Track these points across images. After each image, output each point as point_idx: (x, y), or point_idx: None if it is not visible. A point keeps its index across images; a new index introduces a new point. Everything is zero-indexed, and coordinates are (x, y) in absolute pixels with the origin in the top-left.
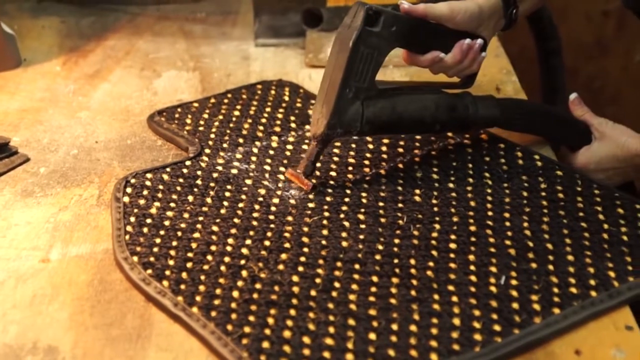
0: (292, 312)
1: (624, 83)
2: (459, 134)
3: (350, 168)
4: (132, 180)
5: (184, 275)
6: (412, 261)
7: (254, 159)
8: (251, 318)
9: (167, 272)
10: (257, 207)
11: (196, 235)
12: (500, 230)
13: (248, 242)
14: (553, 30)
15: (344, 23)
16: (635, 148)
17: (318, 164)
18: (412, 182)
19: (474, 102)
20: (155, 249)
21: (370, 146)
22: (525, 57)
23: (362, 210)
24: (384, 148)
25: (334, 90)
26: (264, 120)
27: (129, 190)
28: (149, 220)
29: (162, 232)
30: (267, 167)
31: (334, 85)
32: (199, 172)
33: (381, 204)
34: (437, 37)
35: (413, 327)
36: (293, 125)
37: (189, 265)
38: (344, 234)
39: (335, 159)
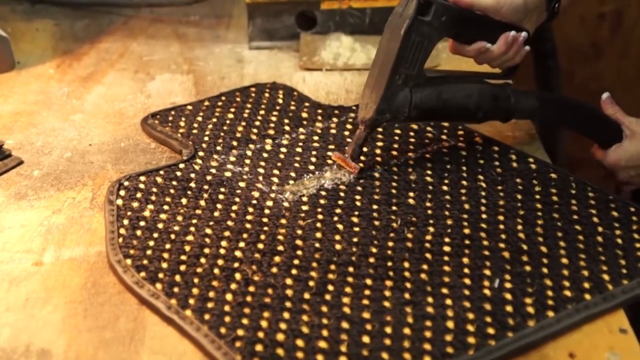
0: (286, 315)
1: (619, 86)
2: (502, 121)
3: (344, 169)
4: (126, 183)
5: (178, 278)
6: (406, 264)
7: (247, 161)
8: (244, 321)
9: (161, 275)
10: (250, 209)
11: (189, 238)
12: (494, 233)
13: (241, 245)
14: (547, 33)
15: (395, 12)
16: None
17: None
18: (406, 185)
19: (515, 93)
20: (149, 252)
21: (365, 149)
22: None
23: (356, 213)
24: (377, 151)
25: (384, 76)
26: (257, 123)
27: (122, 193)
28: (142, 223)
29: (155, 235)
30: (261, 170)
31: (384, 71)
32: (192, 175)
33: (375, 206)
34: (483, 28)
35: (407, 330)
36: (287, 128)
37: (183, 268)
38: (337, 237)
39: (330, 161)
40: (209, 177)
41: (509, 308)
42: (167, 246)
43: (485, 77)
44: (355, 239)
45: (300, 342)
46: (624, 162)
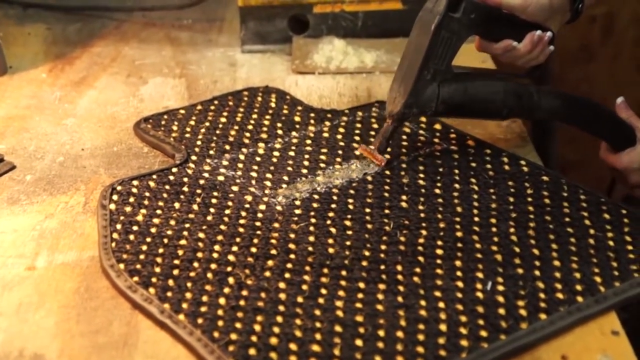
0: (279, 318)
1: (610, 89)
2: (525, 119)
3: (337, 173)
4: (119, 188)
5: (171, 282)
6: (399, 267)
7: (240, 165)
8: (238, 325)
9: (154, 280)
10: (243, 214)
11: (182, 242)
12: (487, 236)
13: (234, 248)
14: None
15: (426, 7)
16: None
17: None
18: (398, 188)
19: (538, 92)
20: (142, 256)
21: (357, 152)
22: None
23: (349, 216)
24: None
25: (413, 71)
26: (250, 127)
27: (115, 197)
28: (135, 228)
29: (148, 240)
30: (254, 174)
31: (413, 66)
32: (185, 179)
33: (368, 210)
34: (510, 27)
35: (400, 333)
36: (280, 132)
37: (176, 272)
38: (330, 241)
39: (322, 164)
40: (201, 181)
41: (501, 311)
42: (160, 250)
43: (510, 75)
44: (348, 243)
45: (293, 346)
46: (636, 165)
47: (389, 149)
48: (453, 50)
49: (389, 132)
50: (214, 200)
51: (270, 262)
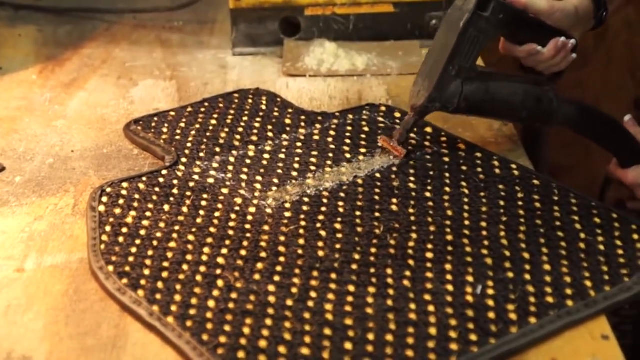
0: (268, 321)
1: (603, 94)
2: (541, 124)
3: (327, 176)
4: (108, 190)
5: (160, 284)
6: (389, 270)
7: (230, 168)
8: (227, 328)
9: (143, 282)
10: (233, 216)
11: (172, 244)
12: (477, 240)
13: (224, 251)
14: None
15: (455, 5)
16: None
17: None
18: (388, 191)
19: (557, 98)
20: (131, 259)
21: (348, 155)
22: (504, 66)
23: (339, 219)
24: (361, 157)
25: (439, 66)
26: (241, 130)
27: (104, 199)
28: (124, 230)
29: (137, 242)
30: (244, 177)
31: (439, 61)
32: (175, 182)
33: (358, 213)
34: (536, 31)
35: (389, 337)
36: (270, 134)
37: (165, 274)
38: (320, 244)
39: (312, 168)
40: (191, 184)
41: (491, 314)
42: (150, 253)
43: (532, 79)
44: (338, 246)
45: (282, 349)
46: None
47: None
48: (479, 48)
49: (410, 124)
50: (203, 203)
51: (259, 265)
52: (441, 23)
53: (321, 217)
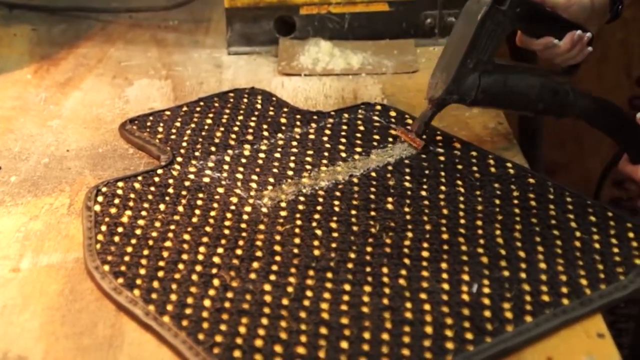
0: (264, 321)
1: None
2: (556, 116)
3: (323, 175)
4: (104, 189)
5: (155, 284)
6: (385, 269)
7: (226, 167)
8: (223, 327)
9: (139, 281)
10: (229, 215)
11: (167, 244)
12: (473, 238)
13: (220, 250)
14: None
15: None
16: None
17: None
18: (384, 190)
19: (574, 91)
20: (127, 258)
21: (343, 154)
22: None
23: (335, 218)
24: (356, 157)
25: (457, 59)
26: (236, 129)
27: (100, 199)
28: (120, 229)
29: (133, 241)
30: (239, 176)
31: (457, 54)
32: (170, 181)
33: (353, 212)
34: (552, 25)
35: (385, 336)
36: (265, 133)
37: (160, 274)
38: (316, 243)
39: (308, 167)
40: (187, 183)
41: (487, 313)
42: (145, 252)
43: (548, 71)
44: (333, 245)
45: (278, 348)
46: None
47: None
48: (496, 41)
49: (428, 116)
50: (199, 202)
51: (255, 264)
52: (459, 16)
53: (317, 216)
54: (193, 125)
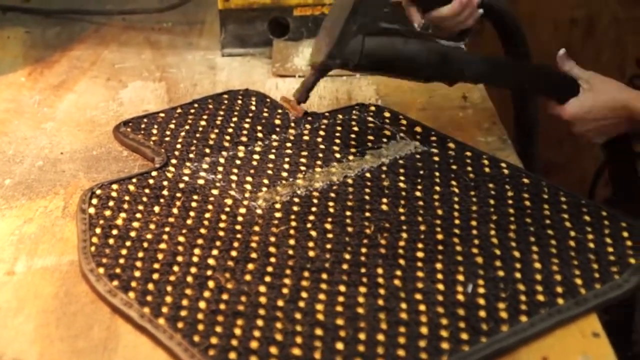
0: (259, 322)
1: None
2: (448, 84)
3: (317, 176)
4: (98, 192)
5: (150, 286)
6: (380, 270)
7: (220, 169)
8: (218, 329)
9: (133, 284)
10: (223, 217)
11: (162, 246)
12: (468, 239)
13: (214, 252)
14: (520, 38)
15: None
16: (623, 99)
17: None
18: (379, 191)
19: (465, 55)
20: (121, 261)
21: (337, 155)
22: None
23: (329, 219)
24: (350, 157)
25: (340, 22)
26: (230, 130)
27: (94, 201)
28: (114, 232)
29: (128, 244)
30: (234, 177)
31: (340, 17)
32: (165, 183)
33: (348, 213)
34: None
35: (380, 337)
36: (260, 135)
37: (155, 276)
38: (311, 244)
39: (302, 168)
40: (181, 185)
41: (482, 313)
42: (140, 254)
43: (439, 37)
44: (328, 246)
45: (273, 350)
46: (582, 114)
47: (368, 151)
48: (381, 3)
49: (310, 82)
50: (193, 204)
51: (250, 266)
52: None
53: (311, 218)
54: (187, 127)
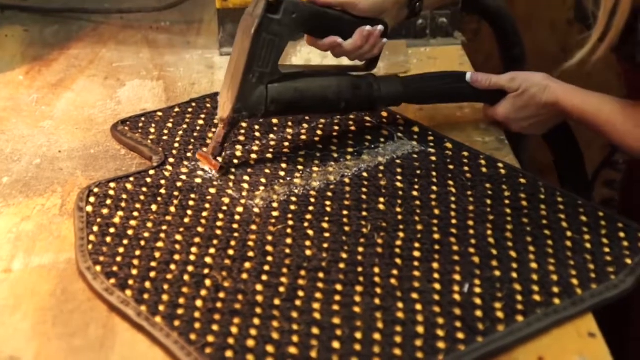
0: (256, 321)
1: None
2: (368, 112)
3: (315, 175)
4: (95, 190)
5: (148, 284)
6: (376, 269)
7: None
8: (215, 327)
9: (131, 282)
10: (221, 216)
11: (160, 244)
12: (464, 238)
13: (212, 251)
14: (517, 38)
15: (247, 11)
16: (541, 99)
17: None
18: (376, 190)
19: (377, 81)
20: (119, 259)
21: (335, 154)
22: (491, 66)
23: (326, 218)
24: (348, 157)
25: (238, 75)
26: None
27: (92, 199)
28: (112, 230)
29: (125, 242)
30: (231, 176)
31: (238, 71)
32: (162, 182)
33: (345, 212)
34: (339, 24)
35: (377, 336)
36: (257, 134)
37: (153, 274)
38: (307, 243)
39: (300, 167)
40: (179, 184)
41: (478, 313)
42: (137, 253)
43: (348, 70)
44: (325, 245)
45: (270, 348)
46: (513, 115)
47: (365, 151)
48: (277, 51)
49: (221, 137)
50: (191, 203)
51: (247, 265)
52: (237, 29)
53: (309, 217)
54: (185, 126)
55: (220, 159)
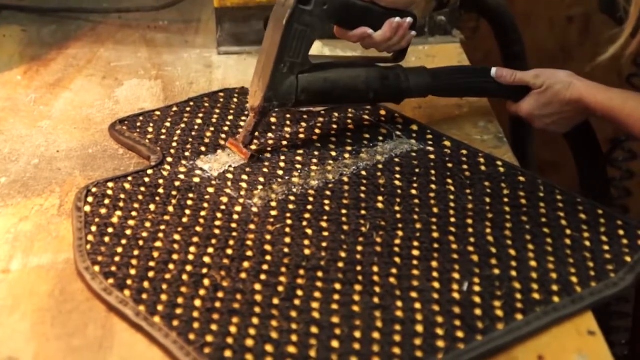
0: (255, 320)
1: None
2: (396, 100)
3: (313, 174)
4: (94, 190)
5: (146, 284)
6: (375, 268)
7: (216, 167)
8: (213, 327)
9: (129, 282)
10: (219, 215)
11: (158, 244)
12: (463, 237)
13: (210, 250)
14: (516, 36)
15: (279, 2)
16: (565, 95)
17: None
18: (374, 189)
19: (404, 72)
20: (117, 259)
21: (333, 153)
22: (490, 63)
23: (325, 217)
24: (346, 155)
25: (270, 65)
26: (226, 129)
27: (90, 199)
28: (110, 230)
29: (123, 242)
30: (230, 176)
31: (269, 60)
32: (160, 181)
33: (344, 211)
34: (368, 15)
35: (376, 335)
36: (255, 133)
37: (151, 274)
38: (306, 242)
39: (298, 166)
40: (177, 183)
41: (478, 311)
42: (136, 253)
43: (376, 61)
44: (324, 244)
45: (269, 348)
46: (537, 112)
47: (364, 149)
48: (308, 42)
49: (252, 125)
50: (189, 202)
51: (246, 264)
52: (269, 20)
53: (307, 216)
54: (183, 126)
55: (251, 148)
